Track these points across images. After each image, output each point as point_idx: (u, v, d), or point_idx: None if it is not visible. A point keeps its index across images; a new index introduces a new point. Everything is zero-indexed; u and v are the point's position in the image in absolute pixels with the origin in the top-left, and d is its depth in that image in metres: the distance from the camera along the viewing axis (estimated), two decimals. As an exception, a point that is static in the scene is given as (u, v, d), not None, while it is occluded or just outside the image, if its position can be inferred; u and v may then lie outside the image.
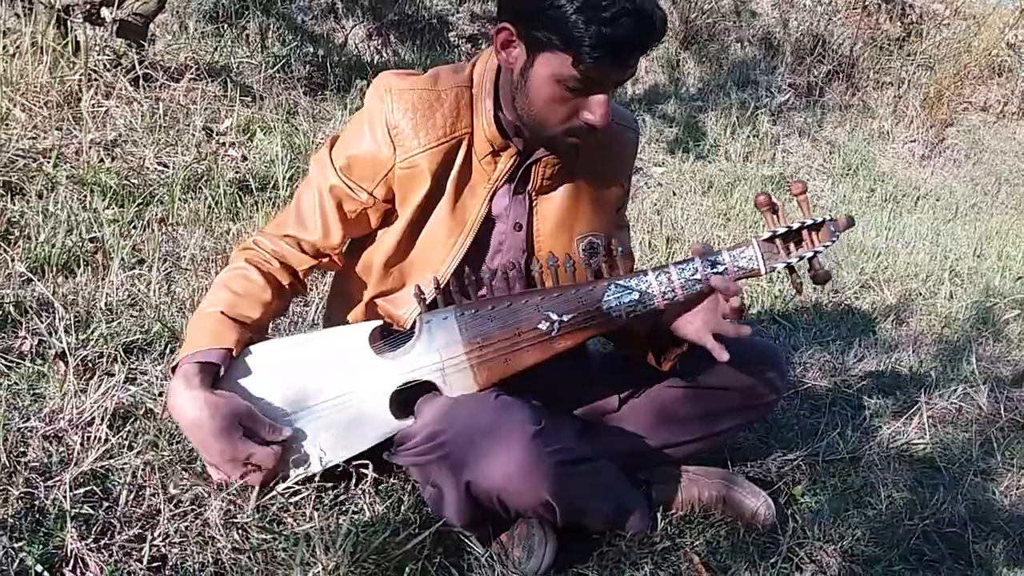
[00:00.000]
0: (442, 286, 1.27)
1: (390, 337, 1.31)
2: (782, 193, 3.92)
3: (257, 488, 1.28)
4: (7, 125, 2.33)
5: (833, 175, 4.41)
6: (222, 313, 1.26)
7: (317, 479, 1.30)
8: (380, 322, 1.33)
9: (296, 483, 1.30)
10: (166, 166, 2.44)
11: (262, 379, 1.28)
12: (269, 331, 1.40)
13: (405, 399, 1.28)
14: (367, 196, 1.30)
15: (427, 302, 1.27)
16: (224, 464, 1.23)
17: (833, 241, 1.27)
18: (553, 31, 1.12)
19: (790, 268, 1.28)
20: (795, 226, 1.26)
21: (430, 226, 1.31)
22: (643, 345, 1.43)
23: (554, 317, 1.25)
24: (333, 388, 1.27)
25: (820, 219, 1.26)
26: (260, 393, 1.27)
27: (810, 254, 1.27)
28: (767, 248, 1.26)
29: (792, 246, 1.27)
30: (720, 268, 1.25)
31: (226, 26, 3.44)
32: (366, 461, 1.32)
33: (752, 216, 3.42)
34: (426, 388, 1.27)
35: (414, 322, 1.30)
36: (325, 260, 1.36)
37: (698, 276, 1.25)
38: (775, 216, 1.26)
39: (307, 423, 1.28)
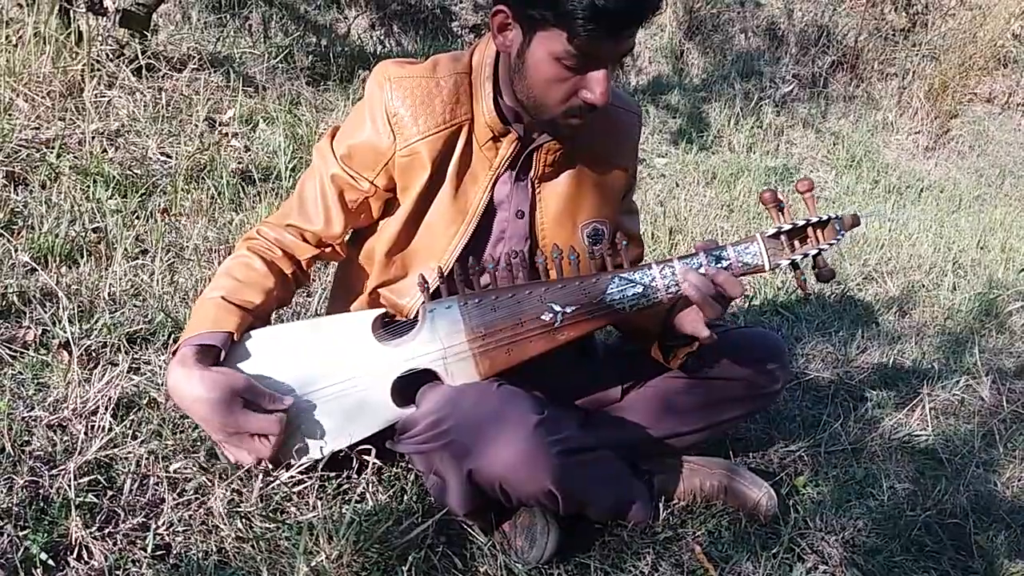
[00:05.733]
0: (446, 275, 1.27)
1: (393, 325, 1.32)
2: (786, 184, 3.91)
3: (261, 476, 1.28)
4: (10, 115, 2.33)
5: (837, 166, 4.40)
6: (223, 298, 1.26)
7: (320, 468, 1.31)
8: (383, 310, 1.33)
9: (299, 472, 1.30)
10: (169, 156, 2.44)
11: (264, 364, 1.28)
12: (272, 322, 1.40)
13: (406, 387, 1.28)
14: (368, 185, 1.30)
15: (430, 291, 1.27)
16: (230, 439, 1.23)
17: (838, 239, 1.27)
18: (547, 7, 1.12)
19: (794, 265, 1.28)
20: (800, 223, 1.26)
21: (432, 214, 1.31)
22: (652, 341, 1.43)
23: (557, 308, 1.25)
24: (335, 375, 1.27)
25: (826, 217, 1.26)
26: (261, 378, 1.27)
27: (815, 251, 1.27)
28: (772, 244, 1.26)
29: (797, 243, 1.27)
30: (724, 263, 1.25)
31: (229, 16, 3.43)
32: (369, 447, 1.32)
33: (755, 208, 3.41)
34: (427, 377, 1.27)
35: (417, 311, 1.31)
36: (328, 250, 1.36)
37: (703, 271, 1.25)
38: (780, 213, 1.26)
39: (309, 409, 1.28)
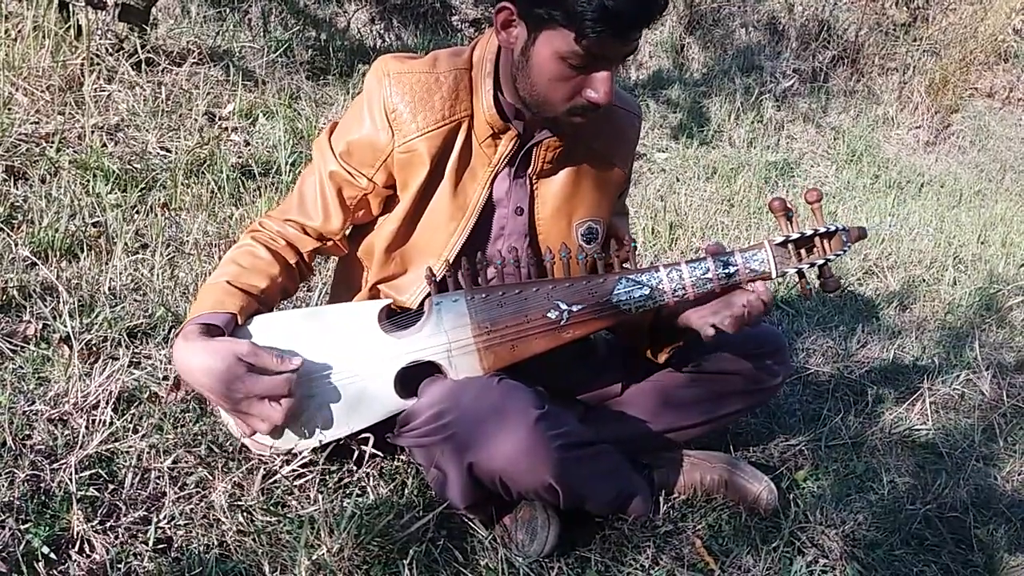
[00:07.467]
0: (452, 268, 1.27)
1: (398, 316, 1.31)
2: (786, 179, 3.91)
3: (261, 469, 1.29)
4: (9, 109, 2.33)
5: (837, 161, 4.39)
6: (228, 282, 1.25)
7: (321, 461, 1.31)
8: (389, 301, 1.33)
9: (299, 466, 1.31)
10: (168, 151, 2.44)
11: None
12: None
13: (409, 379, 1.28)
14: (367, 182, 1.30)
15: (437, 282, 1.27)
16: (240, 404, 1.19)
17: (845, 250, 1.28)
18: (554, 7, 1.11)
19: (800, 273, 1.29)
20: (808, 232, 1.27)
21: (431, 210, 1.31)
22: (642, 336, 1.43)
23: (563, 307, 1.25)
24: (339, 363, 1.27)
25: (833, 228, 1.27)
26: None
27: (821, 262, 1.28)
28: (779, 252, 1.27)
29: (804, 252, 1.28)
30: (732, 269, 1.26)
31: (228, 10, 3.42)
32: (368, 436, 1.31)
33: (756, 203, 3.41)
34: (430, 370, 1.27)
35: (422, 303, 1.31)
36: (329, 244, 1.36)
37: (710, 275, 1.25)
38: (789, 222, 1.27)
39: (311, 397, 1.28)
